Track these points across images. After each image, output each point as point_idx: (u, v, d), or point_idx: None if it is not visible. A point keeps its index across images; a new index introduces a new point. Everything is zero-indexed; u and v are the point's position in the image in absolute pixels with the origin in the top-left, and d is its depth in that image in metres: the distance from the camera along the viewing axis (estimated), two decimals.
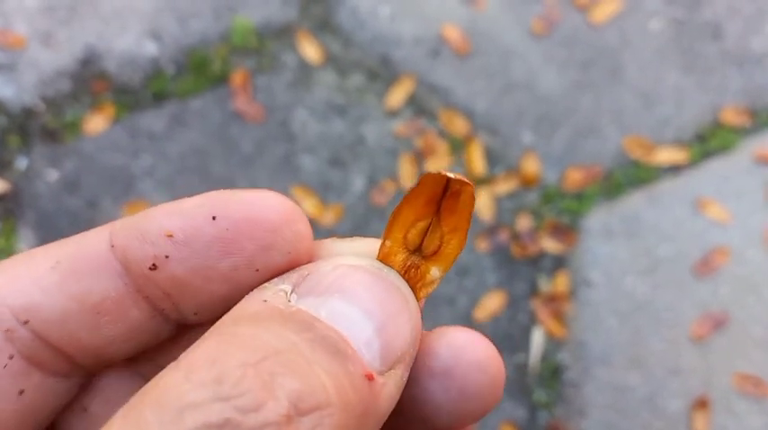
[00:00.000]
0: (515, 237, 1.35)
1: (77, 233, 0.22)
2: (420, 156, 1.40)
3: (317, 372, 0.18)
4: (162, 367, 0.23)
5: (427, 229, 0.22)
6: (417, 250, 0.22)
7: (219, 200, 0.20)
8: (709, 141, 1.43)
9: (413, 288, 0.22)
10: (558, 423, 1.26)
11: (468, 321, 1.30)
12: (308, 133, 1.42)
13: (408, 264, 0.22)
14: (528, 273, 1.34)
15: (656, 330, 1.30)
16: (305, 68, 1.47)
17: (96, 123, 1.42)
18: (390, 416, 0.20)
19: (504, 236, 1.35)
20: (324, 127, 1.42)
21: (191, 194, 0.22)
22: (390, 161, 1.40)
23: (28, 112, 1.43)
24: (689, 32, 1.51)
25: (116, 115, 1.43)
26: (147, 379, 0.23)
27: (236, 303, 0.21)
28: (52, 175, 1.38)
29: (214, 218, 0.20)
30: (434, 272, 0.22)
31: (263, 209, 0.20)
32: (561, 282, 1.32)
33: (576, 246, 1.35)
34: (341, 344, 0.19)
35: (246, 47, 1.48)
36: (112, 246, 0.21)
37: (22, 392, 0.21)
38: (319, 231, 1.33)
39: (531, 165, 1.41)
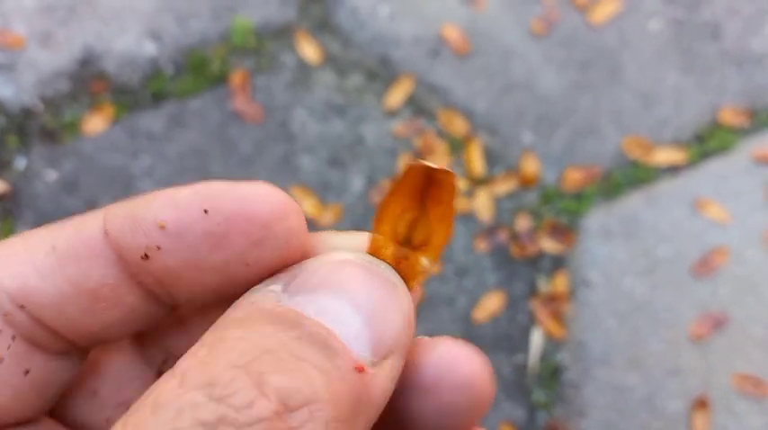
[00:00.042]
0: (514, 237, 1.35)
1: None
2: (419, 156, 1.40)
3: (305, 369, 0.18)
4: (169, 350, 0.24)
5: (414, 220, 0.23)
6: (407, 242, 0.23)
7: (212, 192, 0.20)
8: (708, 141, 1.43)
9: (405, 279, 0.22)
10: (558, 423, 1.26)
11: (467, 322, 1.30)
12: (308, 133, 1.42)
13: (399, 255, 0.22)
14: (527, 273, 1.34)
15: (656, 330, 1.30)
16: (304, 68, 1.47)
17: (95, 123, 1.42)
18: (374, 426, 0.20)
19: (503, 236, 1.35)
20: (323, 127, 1.42)
21: None
22: (389, 161, 1.40)
23: (27, 113, 1.43)
24: (688, 33, 1.51)
25: (115, 115, 1.42)
26: (153, 362, 0.24)
27: (229, 294, 0.21)
28: (51, 176, 1.38)
29: (206, 211, 0.20)
30: (425, 262, 0.23)
31: (255, 203, 0.20)
32: (560, 283, 1.32)
33: (575, 247, 1.35)
34: (328, 339, 0.19)
35: (246, 47, 1.48)
36: (106, 233, 0.21)
37: (27, 372, 0.21)
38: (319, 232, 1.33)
39: (531, 166, 1.41)
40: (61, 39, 1.47)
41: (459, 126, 1.43)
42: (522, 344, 1.30)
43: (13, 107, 1.43)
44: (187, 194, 0.20)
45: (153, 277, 0.21)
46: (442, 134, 1.42)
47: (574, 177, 1.40)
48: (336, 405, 0.18)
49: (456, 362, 0.22)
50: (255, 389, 0.17)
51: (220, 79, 1.45)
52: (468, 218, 1.37)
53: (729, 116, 1.44)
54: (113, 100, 1.44)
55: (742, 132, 1.44)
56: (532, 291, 1.33)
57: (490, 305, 1.31)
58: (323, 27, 1.50)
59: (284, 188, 0.21)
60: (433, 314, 1.31)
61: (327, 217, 1.35)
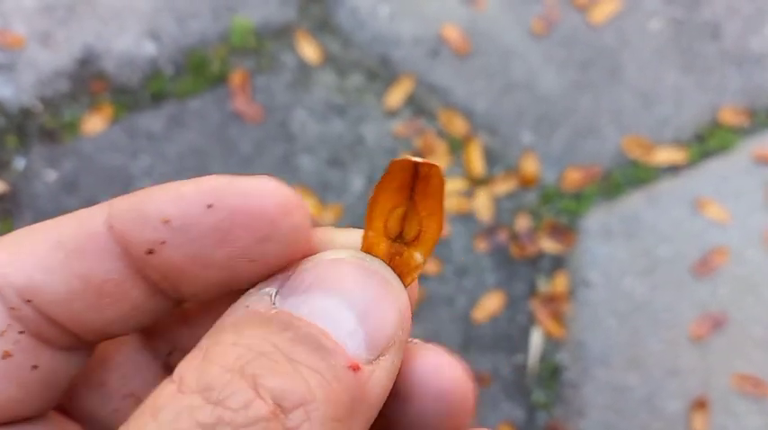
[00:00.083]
0: (514, 237, 1.35)
1: None
2: (419, 156, 1.39)
3: (299, 370, 0.18)
4: (174, 342, 0.24)
5: (405, 216, 0.23)
6: (399, 237, 0.23)
7: (217, 187, 0.20)
8: (708, 141, 1.43)
9: (400, 275, 0.22)
10: (557, 423, 1.26)
11: (466, 322, 1.30)
12: (308, 133, 1.42)
13: (392, 251, 0.22)
14: (527, 273, 1.34)
15: (655, 330, 1.30)
16: (304, 68, 1.47)
17: (95, 123, 1.42)
18: None
19: (503, 236, 1.35)
20: (323, 127, 1.42)
21: None
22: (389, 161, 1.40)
23: (26, 113, 1.42)
24: (688, 32, 1.51)
25: (114, 115, 1.42)
26: (159, 353, 0.25)
27: (235, 289, 0.21)
28: (50, 176, 1.38)
29: (210, 206, 0.20)
30: (418, 256, 0.23)
31: (260, 199, 0.20)
32: (560, 283, 1.32)
33: (574, 247, 1.35)
34: (321, 339, 0.19)
35: (245, 47, 1.48)
36: (111, 227, 0.20)
37: (35, 367, 0.21)
38: None
39: (531, 166, 1.41)
40: (61, 39, 1.47)
41: (459, 126, 1.43)
42: (522, 344, 1.30)
43: (13, 107, 1.43)
44: (192, 189, 0.20)
45: (158, 272, 0.21)
46: (441, 134, 1.42)
47: (574, 177, 1.40)
48: (332, 404, 0.18)
49: (438, 371, 0.22)
50: (251, 390, 0.17)
51: (220, 79, 1.45)
52: (468, 218, 1.37)
53: (729, 116, 1.44)
54: (113, 100, 1.44)
55: (742, 132, 1.44)
56: (532, 291, 1.33)
57: (490, 305, 1.31)
58: (323, 27, 1.50)
59: None
60: (432, 314, 1.31)
61: (327, 217, 1.35)
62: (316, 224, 0.22)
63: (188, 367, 0.18)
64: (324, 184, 1.38)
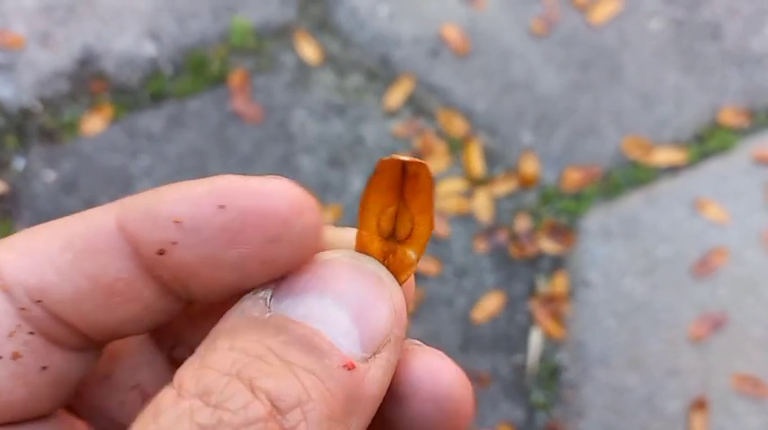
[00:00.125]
0: (514, 237, 1.35)
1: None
2: (419, 157, 1.39)
3: (294, 371, 0.18)
4: (178, 338, 0.25)
5: (396, 214, 0.23)
6: (391, 236, 0.23)
7: (229, 187, 0.20)
8: (707, 142, 1.43)
9: (394, 273, 0.22)
10: (557, 424, 1.26)
11: (466, 322, 1.30)
12: (307, 133, 1.42)
13: (386, 250, 0.23)
14: (526, 273, 1.34)
15: (655, 331, 1.30)
16: (304, 69, 1.47)
17: (94, 124, 1.42)
18: None
19: (502, 236, 1.35)
20: (322, 127, 1.42)
21: None
22: None
23: (25, 113, 1.42)
24: (688, 32, 1.51)
25: (114, 115, 1.42)
26: (164, 346, 0.25)
27: (246, 290, 0.21)
28: (50, 176, 1.38)
29: (222, 206, 0.20)
30: (411, 254, 0.23)
31: (272, 199, 0.20)
32: (560, 283, 1.32)
33: (574, 247, 1.35)
34: (315, 340, 0.19)
35: (245, 47, 1.48)
36: (121, 227, 0.20)
37: (44, 368, 0.21)
38: None
39: (530, 166, 1.41)
40: (60, 39, 1.47)
41: (458, 126, 1.43)
42: (522, 344, 1.30)
43: (12, 107, 1.42)
44: (203, 189, 0.20)
45: (169, 272, 0.21)
46: (441, 134, 1.42)
47: (573, 177, 1.40)
48: (328, 403, 0.18)
49: (437, 374, 0.22)
50: (249, 392, 0.18)
51: (220, 79, 1.45)
52: (468, 218, 1.37)
53: (729, 116, 1.44)
54: (112, 100, 1.43)
55: (742, 132, 1.44)
56: (532, 292, 1.33)
57: (489, 305, 1.31)
58: (323, 27, 1.50)
59: None
60: (432, 314, 1.31)
61: (327, 217, 1.35)
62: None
63: (186, 373, 0.19)
64: (323, 185, 1.38)
